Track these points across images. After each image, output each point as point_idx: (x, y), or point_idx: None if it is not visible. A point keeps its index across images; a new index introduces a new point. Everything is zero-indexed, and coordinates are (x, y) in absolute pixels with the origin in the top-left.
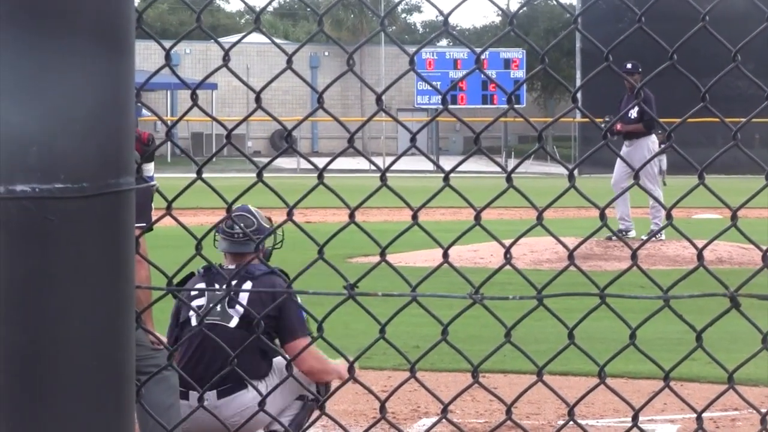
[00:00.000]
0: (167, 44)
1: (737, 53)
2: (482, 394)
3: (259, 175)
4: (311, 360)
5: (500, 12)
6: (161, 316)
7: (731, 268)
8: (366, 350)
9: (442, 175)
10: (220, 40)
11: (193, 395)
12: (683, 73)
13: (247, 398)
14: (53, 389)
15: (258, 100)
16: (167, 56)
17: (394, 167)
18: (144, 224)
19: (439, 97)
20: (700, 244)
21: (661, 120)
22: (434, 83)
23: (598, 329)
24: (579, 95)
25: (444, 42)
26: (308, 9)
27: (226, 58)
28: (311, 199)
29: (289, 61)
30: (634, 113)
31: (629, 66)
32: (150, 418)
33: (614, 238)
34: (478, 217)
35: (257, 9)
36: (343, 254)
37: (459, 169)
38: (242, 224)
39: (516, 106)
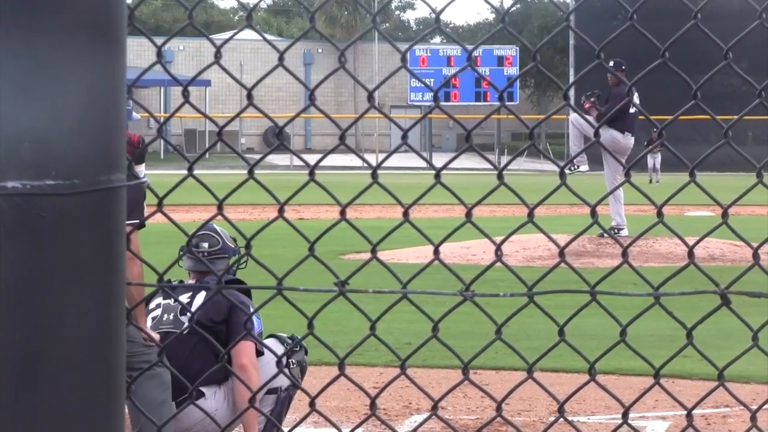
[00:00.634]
0: (160, 41)
1: (729, 51)
2: (473, 391)
3: (251, 172)
4: (245, 358)
5: (494, 9)
6: None
7: (723, 265)
8: (357, 347)
9: (434, 172)
10: (214, 37)
11: None
12: (675, 70)
13: (206, 406)
14: (44, 383)
15: (250, 97)
16: (159, 53)
17: (386, 164)
18: (136, 221)
19: (433, 94)
20: (691, 241)
21: (653, 117)
22: (427, 80)
23: (590, 326)
24: (572, 92)
25: (437, 39)
26: (302, 6)
27: (218, 55)
28: (303, 196)
29: (281, 58)
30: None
31: (611, 63)
32: (142, 415)
33: (606, 235)
34: (469, 214)
35: (250, 6)
36: (335, 251)
37: (451, 166)
38: (207, 243)
39: (509, 103)
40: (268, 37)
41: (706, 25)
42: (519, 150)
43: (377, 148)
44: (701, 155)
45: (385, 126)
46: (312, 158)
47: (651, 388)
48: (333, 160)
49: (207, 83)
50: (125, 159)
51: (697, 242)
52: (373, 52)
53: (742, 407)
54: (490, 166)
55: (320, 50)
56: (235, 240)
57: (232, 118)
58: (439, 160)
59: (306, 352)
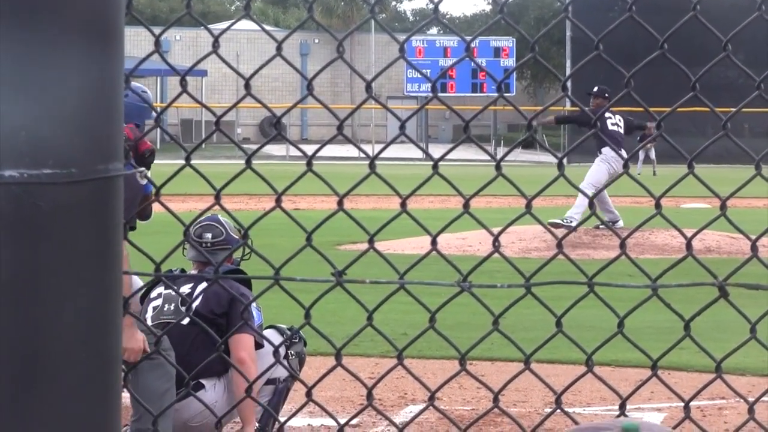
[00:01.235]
0: (157, 31)
1: (728, 43)
2: (469, 382)
3: (248, 162)
4: (244, 352)
5: (491, 0)
6: None
7: (720, 257)
8: (354, 337)
9: (431, 163)
10: (211, 26)
11: None
12: (673, 62)
13: (206, 398)
14: (41, 373)
15: (247, 86)
16: (157, 43)
17: (383, 155)
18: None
19: (429, 85)
20: (688, 233)
21: (651, 109)
22: (424, 71)
23: (586, 318)
24: (569, 84)
25: (434, 30)
26: None
27: (215, 45)
28: (300, 186)
29: (279, 48)
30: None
31: (595, 89)
32: (145, 403)
33: (602, 226)
34: (467, 205)
35: None
36: (331, 241)
37: (448, 157)
38: (210, 234)
39: (506, 94)
40: (265, 27)
41: (703, 17)
42: (517, 141)
43: (373, 138)
44: (698, 147)
45: (382, 117)
46: (308, 148)
47: (648, 380)
48: (329, 150)
49: (203, 73)
50: (123, 149)
51: (695, 234)
52: (369, 42)
53: (738, 399)
54: (486, 157)
55: (317, 40)
56: (239, 230)
57: (230, 108)
58: (435, 151)
59: (305, 344)
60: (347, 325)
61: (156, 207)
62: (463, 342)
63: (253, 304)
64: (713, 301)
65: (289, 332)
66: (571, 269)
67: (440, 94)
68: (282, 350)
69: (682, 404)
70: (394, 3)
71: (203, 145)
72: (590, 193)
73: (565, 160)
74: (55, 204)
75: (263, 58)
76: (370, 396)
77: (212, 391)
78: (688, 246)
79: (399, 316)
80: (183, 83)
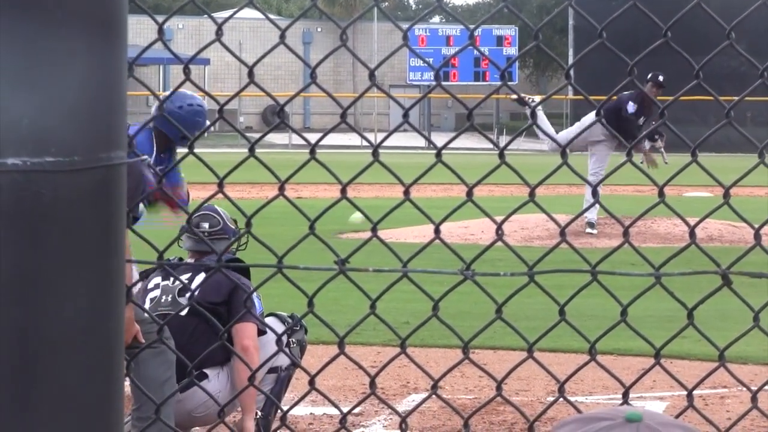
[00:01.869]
0: (160, 19)
1: (731, 31)
2: (471, 371)
3: (251, 150)
4: (248, 340)
5: None
6: None
7: (722, 246)
8: (356, 325)
9: (434, 151)
10: (214, 15)
11: None
12: (677, 50)
13: (209, 388)
14: (43, 361)
15: (251, 75)
16: (160, 31)
17: (385, 143)
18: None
19: (432, 73)
20: (691, 222)
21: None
22: (428, 59)
23: (589, 306)
24: (572, 72)
25: (437, 18)
26: None
27: (219, 33)
28: (302, 175)
29: (282, 37)
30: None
31: (661, 79)
32: (147, 391)
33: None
34: (470, 193)
35: None
36: (333, 230)
37: (450, 145)
38: (208, 224)
39: (509, 83)
40: (268, 16)
41: (706, 5)
42: (520, 129)
43: (376, 127)
44: (700, 136)
45: (384, 105)
46: (311, 137)
47: (651, 368)
48: (331, 139)
49: (206, 62)
50: (125, 137)
51: (699, 222)
52: (372, 31)
53: (740, 388)
54: (489, 146)
55: (319, 29)
56: (235, 221)
57: (233, 96)
58: (437, 139)
59: (306, 332)
60: (349, 314)
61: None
62: (466, 330)
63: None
64: (716, 289)
65: (290, 320)
66: (573, 258)
67: (443, 83)
68: (284, 338)
69: (685, 393)
70: None
71: (206, 134)
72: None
73: (568, 149)
74: (57, 192)
75: (266, 46)
76: (373, 384)
77: (215, 381)
78: (692, 234)
79: (401, 304)
80: (186, 71)
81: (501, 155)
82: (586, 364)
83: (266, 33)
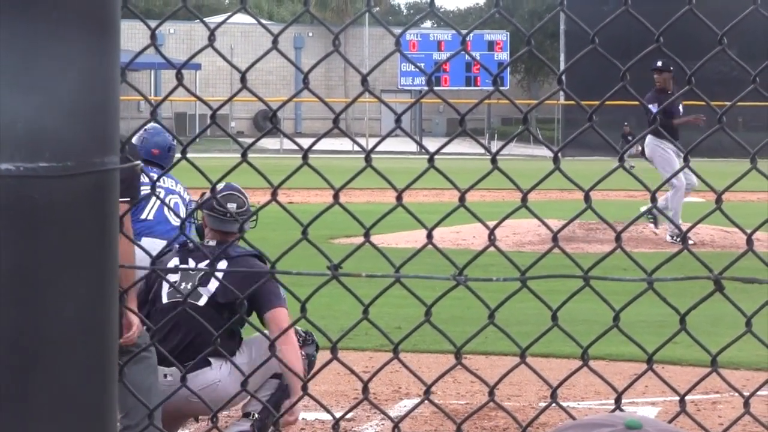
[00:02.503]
0: (152, 24)
1: (723, 36)
2: (464, 376)
3: (244, 155)
4: (285, 323)
5: None
6: None
7: (713, 251)
8: (349, 331)
9: (426, 156)
10: (205, 20)
11: (160, 370)
12: (669, 55)
13: (210, 375)
14: (37, 364)
15: (243, 80)
16: (153, 36)
17: (377, 148)
18: (129, 198)
19: (423, 78)
20: (683, 227)
21: (622, 103)
22: (419, 63)
23: (580, 311)
24: (563, 78)
25: (428, 24)
26: None
27: (212, 38)
28: (294, 180)
29: (275, 42)
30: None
31: (659, 64)
32: (129, 399)
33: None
34: (462, 198)
35: None
36: (325, 235)
37: (442, 150)
38: (235, 204)
39: (500, 88)
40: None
41: (698, 10)
42: (513, 134)
43: (367, 132)
44: (692, 141)
45: (375, 110)
46: (302, 142)
47: (644, 373)
48: (323, 144)
49: (197, 67)
50: (119, 141)
51: (691, 227)
52: (363, 36)
53: (732, 393)
54: (480, 151)
55: (311, 34)
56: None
57: (226, 101)
58: (429, 144)
59: (317, 348)
60: (341, 319)
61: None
62: (458, 336)
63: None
64: (709, 294)
65: (303, 334)
66: (565, 263)
67: (435, 88)
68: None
69: (677, 398)
70: None
71: (197, 139)
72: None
73: (560, 154)
74: (51, 197)
75: (257, 51)
76: (366, 390)
77: (217, 370)
78: (684, 239)
79: (393, 309)
80: (179, 77)
81: (493, 160)
82: (578, 369)
83: (258, 38)
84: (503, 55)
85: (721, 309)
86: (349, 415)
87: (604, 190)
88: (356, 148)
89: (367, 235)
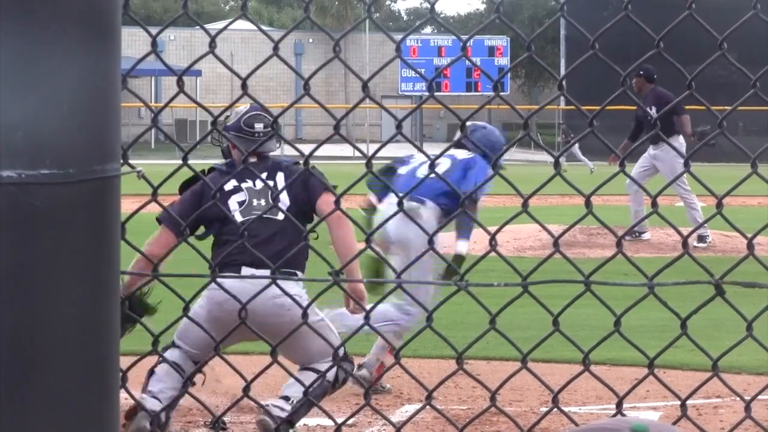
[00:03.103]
0: (153, 31)
1: (723, 41)
2: (465, 381)
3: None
4: (346, 224)
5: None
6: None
7: (714, 255)
8: (350, 337)
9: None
10: (208, 25)
11: (245, 270)
12: (669, 60)
13: (295, 286)
14: (36, 373)
15: (244, 87)
16: (154, 43)
17: (378, 154)
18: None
19: (424, 84)
20: (684, 231)
21: (622, 108)
22: (420, 69)
23: (581, 316)
24: (564, 83)
25: (428, 29)
26: None
27: (212, 45)
28: None
29: (276, 48)
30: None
31: (641, 72)
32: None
33: (628, 237)
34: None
35: None
36: (326, 241)
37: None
38: (262, 124)
39: (501, 93)
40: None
41: (697, 14)
42: (513, 140)
43: (368, 138)
44: (692, 145)
45: (376, 116)
46: (303, 148)
47: (645, 378)
48: (324, 150)
49: (198, 73)
50: (120, 148)
51: (692, 232)
52: (363, 42)
53: (733, 398)
54: None
55: (311, 40)
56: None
57: (227, 108)
58: (429, 150)
59: (351, 370)
60: None
61: (153, 207)
62: (458, 341)
63: None
64: (710, 299)
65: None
66: (566, 268)
67: (435, 93)
68: (340, 351)
69: (678, 403)
70: (388, 2)
71: (199, 146)
72: (692, 196)
73: (561, 159)
74: (52, 204)
75: (257, 57)
76: (367, 395)
77: (301, 286)
78: (684, 244)
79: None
80: (180, 83)
81: (494, 166)
82: (580, 374)
83: (258, 44)
84: (504, 61)
85: (723, 313)
86: (350, 421)
87: (605, 195)
88: (357, 153)
89: (368, 240)
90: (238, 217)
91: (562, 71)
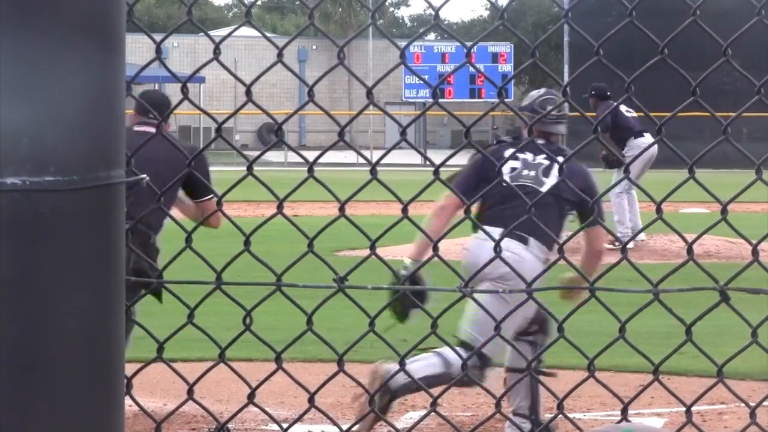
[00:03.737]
0: (157, 38)
1: (728, 47)
2: (469, 389)
3: (250, 168)
4: (601, 245)
5: (489, 6)
6: (150, 308)
7: (719, 262)
8: (355, 343)
9: (430, 168)
10: (212, 32)
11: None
12: (674, 67)
13: (520, 249)
14: (40, 380)
15: (249, 93)
16: (158, 50)
17: (382, 161)
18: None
19: (428, 90)
20: (688, 238)
21: (651, 114)
22: (424, 76)
23: (585, 322)
24: (568, 90)
25: (432, 36)
26: (297, 2)
27: (217, 51)
28: (298, 193)
29: (280, 54)
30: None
31: (592, 92)
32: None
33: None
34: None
35: (248, 2)
36: (330, 247)
37: (446, 163)
38: (550, 106)
39: (504, 100)
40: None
41: (701, 21)
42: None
43: (372, 144)
44: (696, 152)
45: (380, 123)
46: (307, 155)
47: (650, 384)
48: (327, 157)
49: (201, 80)
50: (124, 155)
51: (697, 238)
52: (367, 48)
53: (738, 404)
54: None
55: (315, 47)
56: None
57: (231, 115)
58: (433, 157)
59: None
60: (346, 332)
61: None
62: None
63: None
64: (715, 305)
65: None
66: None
67: (439, 100)
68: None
69: (683, 409)
70: (391, 9)
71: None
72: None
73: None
74: (56, 211)
75: (261, 64)
76: (372, 402)
77: (529, 251)
78: (689, 250)
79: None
80: (184, 90)
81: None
82: (585, 380)
83: (262, 51)
84: (507, 67)
85: (728, 320)
86: (355, 428)
87: (608, 202)
88: (360, 160)
89: (372, 247)
90: (507, 178)
91: (566, 77)
